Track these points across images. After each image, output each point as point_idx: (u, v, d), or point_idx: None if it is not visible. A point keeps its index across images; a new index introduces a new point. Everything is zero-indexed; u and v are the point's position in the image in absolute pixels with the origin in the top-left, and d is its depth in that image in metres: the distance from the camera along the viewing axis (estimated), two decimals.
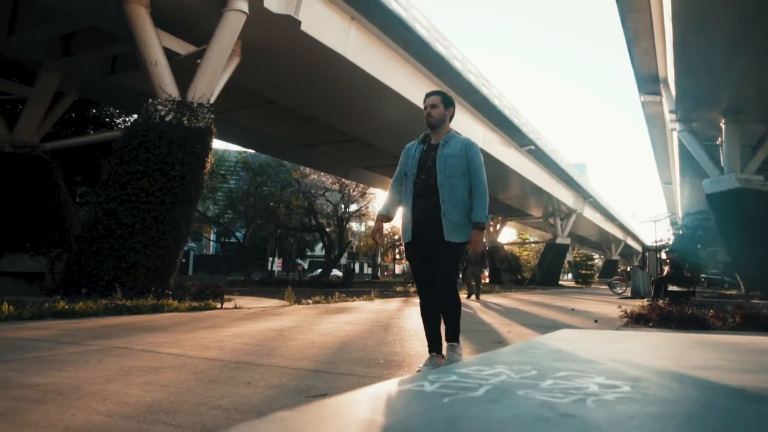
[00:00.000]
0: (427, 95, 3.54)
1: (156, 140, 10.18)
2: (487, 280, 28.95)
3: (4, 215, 12.37)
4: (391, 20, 13.96)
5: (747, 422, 0.94)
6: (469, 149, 3.38)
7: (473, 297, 13.32)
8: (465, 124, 20.04)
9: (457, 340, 3.39)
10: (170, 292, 9.06)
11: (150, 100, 10.43)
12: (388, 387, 1.21)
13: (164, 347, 4.15)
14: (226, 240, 49.64)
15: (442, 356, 3.39)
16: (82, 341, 4.44)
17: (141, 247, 10.02)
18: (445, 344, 3.43)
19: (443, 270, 3.33)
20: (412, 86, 16.24)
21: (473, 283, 13.63)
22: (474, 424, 0.83)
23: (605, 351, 1.67)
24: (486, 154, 22.33)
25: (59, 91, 13.94)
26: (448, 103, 3.53)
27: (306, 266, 51.20)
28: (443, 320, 3.42)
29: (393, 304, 11.00)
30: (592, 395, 1.01)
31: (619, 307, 8.14)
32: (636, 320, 6.92)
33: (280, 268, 42.06)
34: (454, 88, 18.30)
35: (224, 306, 8.97)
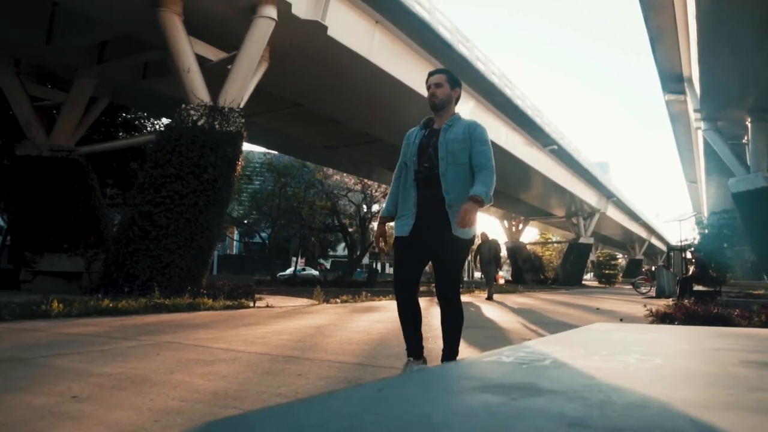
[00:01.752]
0: (431, 74, 3.17)
1: (189, 144, 10.51)
2: (501, 281, 28.74)
3: (43, 217, 12.85)
4: (415, 23, 14.16)
5: (751, 383, 1.16)
6: (473, 130, 3.02)
7: (482, 299, 12.99)
8: (487, 124, 20.15)
9: (455, 359, 2.95)
10: (205, 291, 9.38)
11: (183, 106, 10.77)
12: (476, 359, 1.43)
13: (212, 342, 4.41)
14: (249, 240, 50.33)
15: (424, 361, 3.12)
16: (134, 337, 4.72)
17: (175, 248, 10.35)
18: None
19: (448, 272, 3.00)
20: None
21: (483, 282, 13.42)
22: (551, 381, 1.04)
23: (637, 339, 1.87)
24: (508, 154, 22.48)
25: (93, 96, 14.39)
26: (455, 83, 3.15)
27: (328, 266, 51.59)
28: (442, 334, 3.05)
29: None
30: (632, 365, 1.23)
31: (644, 306, 8.24)
32: (661, 319, 7.01)
33: (303, 268, 42.48)
34: (477, 89, 18.46)
35: (257, 305, 9.26)
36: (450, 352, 3.00)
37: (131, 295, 8.58)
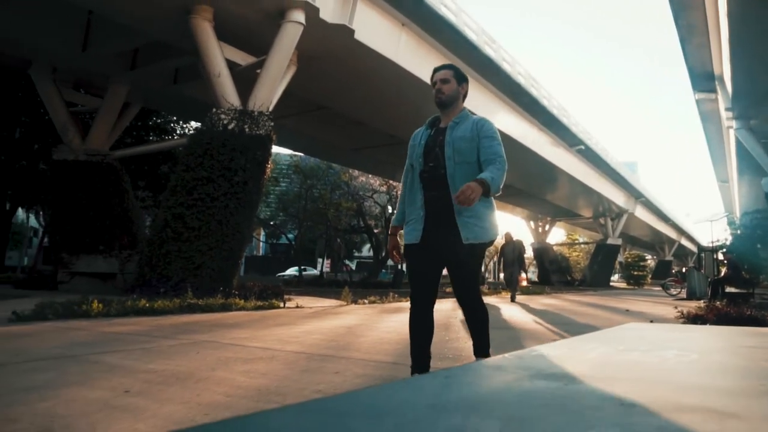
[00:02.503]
0: (436, 69, 3.00)
1: (220, 148, 10.73)
2: (524, 282, 28.31)
3: (79, 219, 13.22)
4: (442, 25, 14.21)
5: None
6: (481, 127, 2.86)
7: (507, 301, 12.68)
8: (514, 125, 20.12)
9: (488, 354, 2.91)
10: (236, 292, 9.57)
11: (213, 110, 10.99)
12: (523, 353, 1.52)
13: (248, 341, 4.55)
14: (275, 242, 50.81)
15: None
16: (173, 336, 4.88)
17: (206, 249, 10.57)
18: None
19: (465, 279, 2.85)
20: None
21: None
22: (597, 370, 1.12)
23: (672, 337, 1.93)
24: (535, 155, 22.38)
25: (126, 101, 14.76)
26: (462, 79, 2.99)
27: (354, 267, 51.82)
28: (471, 335, 2.98)
29: (446, 304, 11.24)
30: (670, 359, 1.30)
31: (675, 308, 8.18)
32: (693, 321, 6.96)
33: (328, 269, 42.76)
34: (503, 90, 18.43)
35: (286, 305, 9.41)
36: (481, 347, 2.91)
37: (165, 296, 8.80)
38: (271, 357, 3.79)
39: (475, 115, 2.99)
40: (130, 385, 2.77)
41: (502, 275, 16.65)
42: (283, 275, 35.63)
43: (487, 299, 13.09)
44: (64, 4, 11.23)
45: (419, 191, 2.86)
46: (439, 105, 2.95)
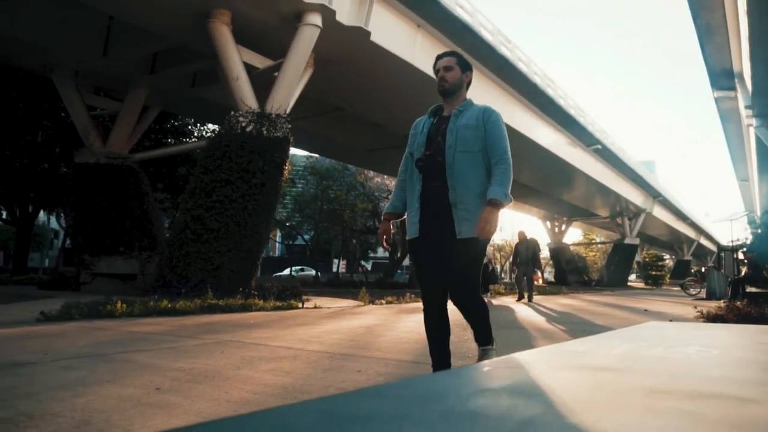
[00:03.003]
0: (440, 57, 2.93)
1: (238, 150, 10.86)
2: (540, 281, 28.11)
3: (100, 221, 13.45)
4: (457, 26, 14.23)
5: None
6: (487, 117, 2.76)
7: (524, 300, 12.54)
8: (530, 124, 20.06)
9: (490, 342, 2.86)
10: (256, 293, 9.68)
11: (232, 113, 11.13)
12: (552, 348, 1.58)
13: (270, 341, 4.63)
14: (291, 242, 51.10)
15: None
16: (196, 335, 4.97)
17: (225, 251, 10.70)
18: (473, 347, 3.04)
19: (460, 273, 2.70)
20: (474, 87, 16.41)
21: (524, 284, 12.82)
22: (624, 363, 1.18)
23: (693, 335, 1.97)
24: (551, 155, 22.30)
25: (145, 105, 14.98)
26: (465, 67, 2.91)
27: (369, 268, 51.93)
28: (472, 329, 2.89)
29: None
30: (692, 354, 1.35)
31: (695, 308, 8.14)
32: (712, 320, 6.94)
33: (344, 270, 42.94)
34: (519, 90, 18.40)
35: (305, 306, 9.50)
36: (482, 335, 2.83)
37: (186, 296, 8.93)
38: (294, 356, 3.87)
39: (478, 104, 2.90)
40: (160, 382, 2.85)
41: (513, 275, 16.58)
42: (279, 275, 35.96)
43: (503, 300, 13.08)
44: (86, 10, 11.44)
45: (417, 181, 2.77)
46: (442, 93, 2.86)
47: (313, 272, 40.16)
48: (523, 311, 9.42)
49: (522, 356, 1.27)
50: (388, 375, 3.23)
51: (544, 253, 46.11)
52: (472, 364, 1.31)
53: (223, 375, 3.11)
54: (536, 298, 13.64)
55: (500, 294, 15.37)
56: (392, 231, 2.93)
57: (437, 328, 2.82)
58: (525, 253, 12.66)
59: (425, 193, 2.72)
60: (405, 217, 2.92)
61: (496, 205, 2.59)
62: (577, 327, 6.52)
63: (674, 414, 0.73)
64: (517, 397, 0.83)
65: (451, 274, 2.71)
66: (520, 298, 12.62)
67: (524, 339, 5.12)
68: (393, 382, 1.75)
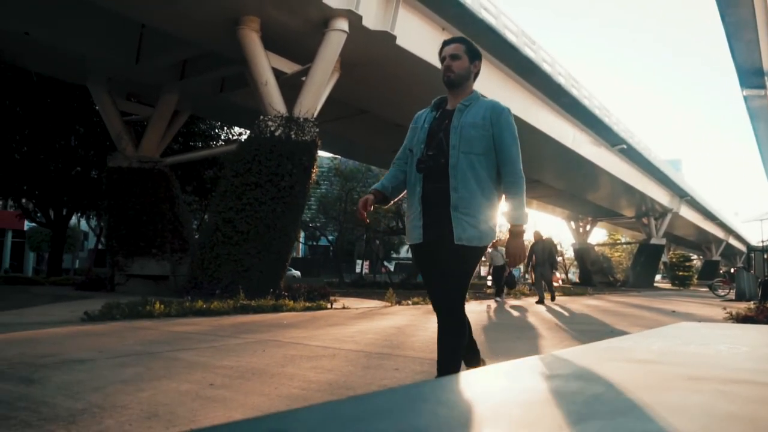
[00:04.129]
0: (446, 43, 2.62)
1: (267, 154, 11.08)
2: (559, 282, 27.76)
3: (134, 224, 13.82)
4: (482, 28, 14.29)
5: None
6: (497, 116, 2.47)
7: (546, 301, 12.25)
8: (555, 125, 20.02)
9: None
10: (286, 294, 9.90)
11: (261, 117, 11.36)
12: (595, 345, 1.72)
13: (307, 340, 4.80)
14: (315, 243, 51.48)
15: None
16: (235, 335, 5.17)
17: (255, 252, 10.93)
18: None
19: (447, 282, 2.45)
20: (498, 88, 16.49)
21: (544, 286, 12.53)
22: (663, 357, 1.31)
23: (723, 334, 2.09)
24: (576, 155, 22.22)
25: (175, 109, 15.33)
26: (474, 55, 2.61)
27: (392, 268, 52.10)
28: (438, 349, 2.55)
29: (489, 305, 11.37)
30: (723, 351, 1.47)
31: (723, 309, 8.13)
32: (742, 322, 6.93)
33: (367, 270, 43.15)
34: (543, 90, 18.38)
35: (333, 306, 9.68)
36: (447, 366, 2.45)
37: (218, 297, 9.17)
38: (333, 355, 4.03)
39: (485, 98, 2.61)
40: (212, 379, 3.04)
41: (527, 275, 16.49)
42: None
43: (527, 300, 13.11)
44: (120, 19, 11.79)
45: (418, 182, 2.51)
46: (447, 84, 2.56)
47: (298, 273, 40.26)
48: (553, 313, 9.48)
49: (569, 352, 1.41)
50: (425, 373, 3.37)
51: (569, 254, 45.84)
52: (529, 358, 1.47)
53: (270, 372, 3.29)
54: (561, 299, 13.65)
55: (524, 295, 15.39)
56: (371, 208, 2.63)
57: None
58: (541, 254, 12.41)
59: (427, 196, 2.48)
60: (387, 202, 2.76)
61: (518, 231, 2.50)
62: (607, 328, 6.58)
63: (711, 393, 0.87)
64: (581, 381, 0.98)
65: (440, 276, 2.47)
66: (539, 302, 12.24)
67: (563, 340, 5.22)
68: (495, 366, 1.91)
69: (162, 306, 7.18)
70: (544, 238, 12.98)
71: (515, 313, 9.26)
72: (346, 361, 3.76)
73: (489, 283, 17.33)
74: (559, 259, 25.92)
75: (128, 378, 3.02)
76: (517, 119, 12.41)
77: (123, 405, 2.40)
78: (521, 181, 2.48)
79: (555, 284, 14.70)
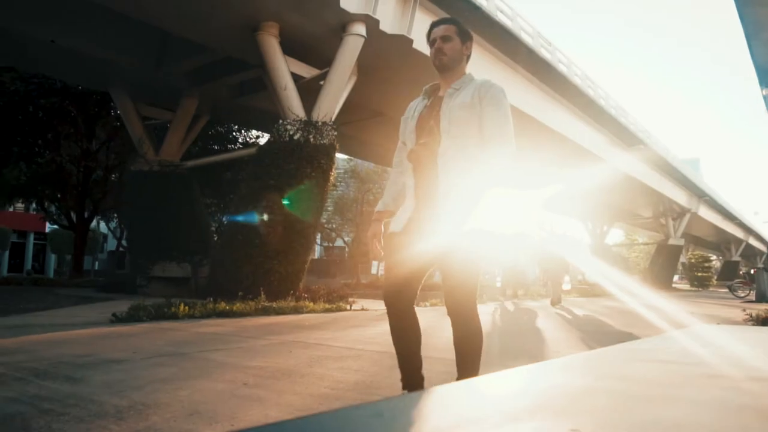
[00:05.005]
0: (435, 24, 2.46)
1: (286, 157, 11.24)
2: (569, 286, 27.45)
3: (155, 227, 14.07)
4: (498, 31, 14.36)
5: None
6: (485, 92, 2.29)
7: (554, 304, 12.01)
8: (571, 125, 19.98)
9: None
10: (306, 295, 10.04)
11: (280, 121, 11.53)
12: (633, 345, 1.82)
13: (332, 342, 4.92)
14: (330, 245, 51.65)
15: None
16: (261, 336, 5.30)
17: (274, 254, 11.09)
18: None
19: (455, 285, 2.27)
20: (513, 89, 16.52)
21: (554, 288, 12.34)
22: (683, 358, 1.40)
23: (742, 336, 2.17)
24: (592, 155, 22.12)
25: (195, 113, 15.57)
26: (466, 36, 2.45)
27: None
28: (456, 354, 2.40)
29: (506, 305, 11.42)
30: (742, 351, 1.56)
31: (743, 310, 8.11)
32: (762, 323, 6.92)
33: (383, 272, 43.28)
34: (559, 91, 18.37)
35: (353, 308, 9.80)
36: (468, 372, 2.33)
37: (239, 299, 9.32)
38: (357, 356, 4.14)
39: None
40: (245, 379, 3.16)
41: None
42: None
43: (544, 301, 13.12)
44: (142, 26, 12.02)
45: (410, 175, 2.40)
46: (438, 68, 2.42)
47: None
48: (571, 315, 9.51)
49: (598, 353, 1.50)
50: (450, 374, 3.44)
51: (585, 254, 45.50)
52: (584, 352, 1.56)
53: (299, 372, 3.40)
54: (579, 300, 13.65)
55: (542, 296, 15.39)
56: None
57: (406, 332, 2.51)
58: (554, 270, 12.50)
59: (420, 189, 2.34)
60: None
61: (470, 195, 2.17)
62: (627, 329, 6.62)
63: (731, 389, 0.97)
64: (612, 379, 1.07)
65: (446, 279, 2.29)
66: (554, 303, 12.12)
67: (585, 340, 5.28)
68: (531, 365, 2.01)
69: (186, 308, 7.34)
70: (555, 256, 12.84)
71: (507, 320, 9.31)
72: (372, 362, 3.86)
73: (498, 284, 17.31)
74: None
75: (165, 377, 3.15)
76: (533, 120, 12.53)
77: (165, 403, 2.52)
78: (506, 145, 2.25)
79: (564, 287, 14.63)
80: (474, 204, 2.17)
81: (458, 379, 2.36)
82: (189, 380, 3.09)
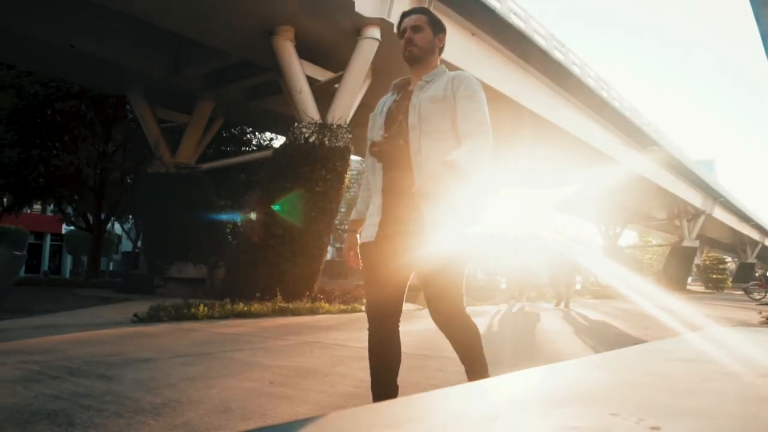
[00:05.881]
0: (405, 14, 2.30)
1: (301, 160, 11.36)
2: (579, 286, 27.28)
3: (171, 228, 14.25)
4: (512, 33, 14.41)
5: None
6: (458, 84, 2.12)
7: (562, 305, 12.08)
8: (584, 126, 19.96)
9: (486, 376, 2.16)
10: (321, 296, 10.15)
11: (295, 124, 11.65)
12: (655, 346, 1.90)
13: (351, 342, 5.01)
14: (342, 246, 51.82)
15: None
16: (281, 336, 5.41)
17: (290, 256, 11.20)
18: None
19: (439, 292, 2.09)
20: (526, 90, 16.55)
21: (563, 289, 12.31)
22: (702, 357, 1.48)
23: (757, 339, 2.23)
24: (605, 156, 22.07)
25: (210, 116, 15.76)
26: (438, 28, 2.30)
27: None
28: (461, 360, 2.22)
29: (520, 306, 11.46)
30: (757, 352, 1.63)
31: (759, 313, 8.11)
32: None
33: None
34: (572, 92, 18.36)
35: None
36: (474, 372, 2.17)
37: (255, 300, 9.45)
38: None
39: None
40: (271, 377, 3.25)
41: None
42: None
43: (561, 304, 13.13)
44: (159, 31, 12.21)
45: (379, 173, 2.20)
46: (408, 60, 2.26)
47: None
48: (584, 317, 9.53)
49: (619, 353, 1.58)
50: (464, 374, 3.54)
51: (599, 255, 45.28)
52: (623, 349, 1.65)
53: (322, 371, 3.49)
54: (592, 301, 13.64)
55: (553, 298, 15.37)
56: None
57: (384, 355, 2.36)
58: (565, 273, 12.48)
59: (387, 188, 2.15)
60: None
61: (451, 167, 1.91)
62: (641, 332, 6.64)
63: (749, 384, 1.04)
64: (641, 376, 1.15)
65: (428, 288, 2.11)
66: (560, 304, 12.17)
67: (604, 342, 5.33)
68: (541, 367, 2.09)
69: (205, 308, 7.47)
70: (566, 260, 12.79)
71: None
72: None
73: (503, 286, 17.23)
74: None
75: (193, 376, 3.26)
76: (547, 122, 12.52)
77: (197, 400, 2.62)
78: (485, 137, 2.05)
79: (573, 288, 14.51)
80: (455, 204, 2.00)
81: (467, 373, 2.21)
82: (217, 379, 3.19)
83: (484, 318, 8.56)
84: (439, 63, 2.30)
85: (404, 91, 2.28)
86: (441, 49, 2.32)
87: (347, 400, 2.73)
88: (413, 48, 2.22)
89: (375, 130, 2.26)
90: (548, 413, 0.89)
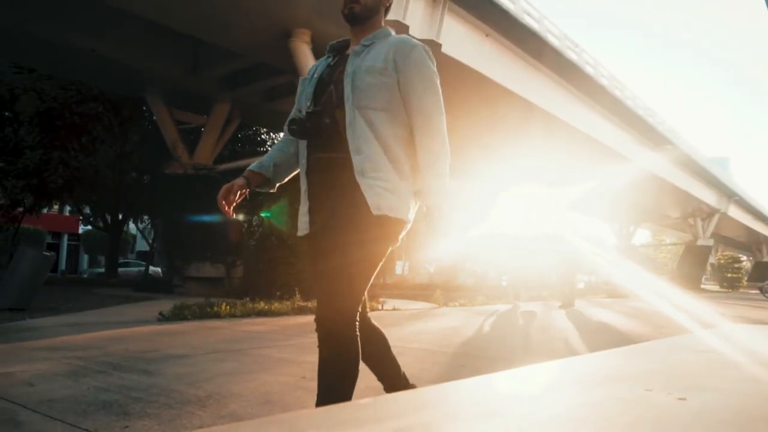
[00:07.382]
0: None
1: None
2: (581, 285, 27.07)
3: (189, 228, 14.48)
4: (525, 33, 14.49)
5: None
6: (404, 56, 1.80)
7: (567, 305, 11.61)
8: (597, 126, 19.96)
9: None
10: None
11: None
12: (677, 340, 2.04)
13: None
14: None
15: None
16: (304, 334, 5.56)
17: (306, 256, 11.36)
18: None
19: (332, 278, 1.76)
20: (537, 88, 16.60)
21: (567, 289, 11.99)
22: (718, 350, 1.62)
23: None
24: (619, 155, 22.05)
25: (227, 118, 15.99)
26: None
27: (432, 270, 52.23)
28: (318, 376, 1.91)
29: (532, 306, 11.55)
30: None
31: None
32: None
33: (407, 272, 43.49)
34: (585, 91, 18.38)
35: (384, 308, 10.04)
36: (327, 396, 1.81)
37: (276, 299, 9.63)
38: (400, 353, 4.33)
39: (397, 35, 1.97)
40: (302, 372, 3.41)
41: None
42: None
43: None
44: (177, 35, 12.44)
45: (303, 154, 1.88)
46: (348, 18, 1.92)
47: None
48: (596, 315, 9.62)
49: (644, 346, 1.72)
50: (491, 370, 3.68)
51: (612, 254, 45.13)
52: (640, 344, 1.80)
53: None
54: (606, 300, 13.69)
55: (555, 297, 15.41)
56: (244, 191, 1.97)
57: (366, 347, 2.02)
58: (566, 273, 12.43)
59: (313, 170, 1.84)
60: (271, 186, 2.07)
61: (434, 209, 1.79)
62: (655, 330, 6.74)
63: (761, 368, 1.17)
64: (665, 365, 1.30)
65: (322, 269, 1.79)
66: (564, 306, 11.83)
67: (615, 341, 5.44)
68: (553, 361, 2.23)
69: (228, 307, 7.66)
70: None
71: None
72: (415, 359, 4.09)
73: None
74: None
75: (229, 371, 3.42)
76: (559, 120, 12.60)
77: (238, 393, 2.78)
78: (441, 139, 1.82)
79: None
80: (393, 186, 1.74)
81: (319, 398, 1.85)
82: (252, 374, 3.35)
83: (491, 318, 8.66)
84: (383, 24, 1.98)
85: (341, 56, 1.94)
86: (387, 9, 2.01)
87: (377, 394, 2.87)
88: (354, 5, 1.87)
89: (303, 100, 1.94)
90: (593, 390, 1.03)
